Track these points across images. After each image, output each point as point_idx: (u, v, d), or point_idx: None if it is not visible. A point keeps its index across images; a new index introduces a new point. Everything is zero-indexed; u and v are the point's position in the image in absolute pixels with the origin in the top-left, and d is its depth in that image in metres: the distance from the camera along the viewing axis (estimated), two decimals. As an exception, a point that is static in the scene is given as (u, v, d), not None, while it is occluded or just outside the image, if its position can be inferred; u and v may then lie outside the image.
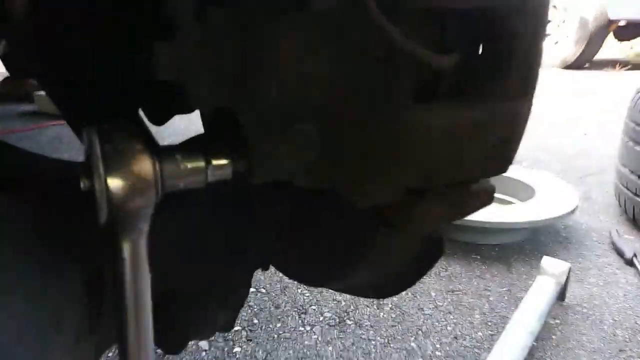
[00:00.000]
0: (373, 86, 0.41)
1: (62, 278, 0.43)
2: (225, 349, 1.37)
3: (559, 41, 5.80)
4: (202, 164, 0.41)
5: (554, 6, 5.68)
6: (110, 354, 1.34)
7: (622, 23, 5.50)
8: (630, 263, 1.84)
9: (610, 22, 5.46)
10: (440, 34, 0.44)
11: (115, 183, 0.36)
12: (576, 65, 5.90)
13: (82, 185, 0.37)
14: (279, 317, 1.52)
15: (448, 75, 0.46)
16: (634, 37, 5.92)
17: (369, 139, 0.43)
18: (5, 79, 4.65)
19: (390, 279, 0.67)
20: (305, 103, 0.41)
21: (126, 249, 0.38)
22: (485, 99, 0.45)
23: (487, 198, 0.56)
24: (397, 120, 0.42)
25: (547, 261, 1.59)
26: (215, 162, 0.42)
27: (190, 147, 0.42)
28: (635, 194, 2.04)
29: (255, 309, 1.56)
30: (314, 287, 1.01)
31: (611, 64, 6.44)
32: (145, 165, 0.37)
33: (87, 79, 0.63)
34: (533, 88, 0.48)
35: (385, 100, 0.42)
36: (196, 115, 0.65)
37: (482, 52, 0.47)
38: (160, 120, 0.71)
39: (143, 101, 0.69)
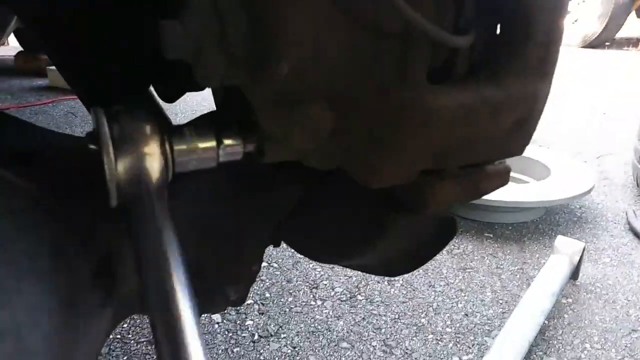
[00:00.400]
0: (386, 65, 0.40)
1: (70, 265, 0.43)
2: (238, 321, 1.39)
3: (579, 19, 5.65)
4: (213, 143, 0.41)
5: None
6: (125, 325, 1.36)
7: (646, 0, 5.34)
8: (645, 243, 1.82)
9: (635, -1, 5.31)
10: (456, 11, 0.43)
11: (124, 167, 0.36)
12: (597, 43, 5.75)
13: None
14: (291, 291, 1.54)
15: (464, 55, 0.45)
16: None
17: (381, 119, 0.42)
18: (19, 53, 4.67)
19: (401, 258, 0.67)
20: (317, 82, 0.40)
21: (139, 231, 0.37)
22: (501, 80, 0.44)
23: (502, 180, 0.55)
24: (411, 101, 0.41)
25: (560, 240, 1.58)
26: (226, 141, 0.41)
27: (201, 126, 0.41)
28: (654, 174, 2.00)
29: (267, 283, 1.57)
30: (324, 264, 1.01)
31: (633, 42, 6.27)
32: (154, 148, 0.37)
33: (95, 58, 0.63)
34: (552, 68, 0.47)
35: (398, 79, 0.41)
36: (208, 92, 0.65)
37: (499, 31, 0.45)
38: (171, 98, 0.71)
39: (153, 78, 0.69)
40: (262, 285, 1.56)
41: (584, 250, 1.55)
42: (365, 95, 0.41)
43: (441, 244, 0.63)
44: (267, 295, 1.52)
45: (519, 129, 0.50)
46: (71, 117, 3.37)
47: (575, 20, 5.64)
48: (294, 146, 0.44)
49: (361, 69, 0.41)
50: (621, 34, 6.08)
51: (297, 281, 1.59)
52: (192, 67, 0.43)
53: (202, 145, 0.40)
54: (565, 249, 1.55)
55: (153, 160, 0.37)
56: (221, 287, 0.73)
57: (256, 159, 0.46)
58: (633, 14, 5.67)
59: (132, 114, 0.37)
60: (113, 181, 0.35)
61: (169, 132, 0.39)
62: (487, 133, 0.47)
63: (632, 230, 1.91)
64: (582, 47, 5.77)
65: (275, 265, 1.68)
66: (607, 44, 5.94)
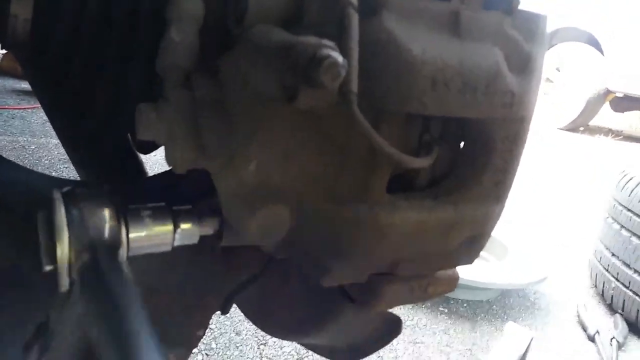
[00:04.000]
0: (348, 179, 0.42)
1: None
2: (179, 370, 1.35)
3: (557, 103, 5.90)
4: (170, 228, 0.41)
5: (557, 69, 5.80)
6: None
7: (619, 94, 5.62)
8: (592, 339, 1.85)
9: (609, 91, 5.58)
10: (422, 131, 0.45)
11: (77, 253, 0.36)
12: (571, 127, 6.00)
13: (42, 255, 0.36)
14: (238, 344, 1.50)
15: (426, 170, 0.47)
16: (629, 110, 6.04)
17: (337, 228, 0.43)
18: (6, 54, 4.61)
19: (345, 347, 0.68)
20: (282, 184, 0.41)
21: (92, 310, 0.37)
22: (458, 201, 0.46)
23: (450, 285, 0.57)
24: (367, 216, 0.42)
25: (511, 327, 1.60)
26: (183, 226, 0.42)
27: (159, 211, 0.41)
28: (607, 271, 2.06)
29: (216, 333, 1.54)
30: (272, 336, 1.00)
31: (604, 131, 6.56)
32: (110, 234, 0.37)
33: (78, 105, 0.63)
34: (507, 192, 0.49)
35: (358, 194, 0.42)
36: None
37: (461, 153, 0.47)
38: (146, 149, 0.71)
39: (131, 129, 0.69)
40: (210, 334, 1.53)
41: (531, 340, 1.57)
42: (324, 204, 0.43)
43: (385, 341, 0.63)
44: (214, 345, 1.48)
45: (470, 245, 0.52)
46: (48, 126, 3.31)
47: (554, 103, 5.89)
48: (251, 240, 0.45)
49: (324, 179, 0.42)
50: (595, 121, 6.37)
51: (246, 335, 1.56)
52: (165, 150, 0.44)
53: (158, 230, 0.41)
54: (514, 337, 1.57)
55: (108, 246, 0.37)
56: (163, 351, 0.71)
57: (214, 241, 0.47)
58: (607, 104, 5.96)
59: (90, 198, 0.37)
60: (64, 267, 0.35)
61: (125, 216, 0.39)
62: (438, 248, 0.49)
63: (581, 324, 1.95)
64: (558, 129, 6.01)
65: (226, 314, 1.65)
66: (581, 128, 6.20)
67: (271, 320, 0.74)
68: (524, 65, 0.44)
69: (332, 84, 0.32)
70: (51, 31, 0.57)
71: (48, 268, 0.36)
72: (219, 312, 1.68)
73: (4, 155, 0.65)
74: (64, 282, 0.36)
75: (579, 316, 1.99)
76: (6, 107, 3.55)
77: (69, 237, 0.35)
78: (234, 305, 1.75)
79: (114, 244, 0.37)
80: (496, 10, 0.44)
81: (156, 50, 0.44)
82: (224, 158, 0.41)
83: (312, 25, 0.40)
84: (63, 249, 0.35)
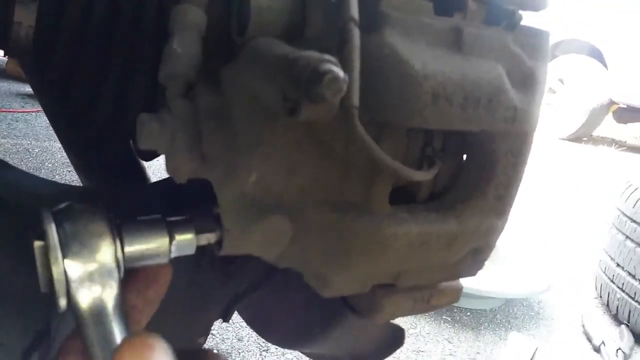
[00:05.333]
0: (350, 190, 0.42)
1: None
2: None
3: (560, 113, 5.90)
4: (165, 241, 0.41)
5: (560, 80, 5.80)
6: None
7: (622, 105, 5.62)
8: (597, 350, 1.84)
9: (612, 102, 5.58)
10: (424, 145, 0.45)
11: (73, 271, 0.36)
12: (574, 137, 6.00)
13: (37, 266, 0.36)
14: (240, 351, 1.50)
15: (428, 183, 0.47)
16: (632, 121, 6.03)
17: (338, 239, 0.43)
18: (11, 58, 4.64)
19: (350, 356, 0.67)
20: (283, 195, 0.41)
21: (88, 327, 0.36)
22: (460, 214, 0.46)
23: (454, 297, 0.56)
24: (368, 227, 0.42)
25: (515, 337, 1.59)
26: (179, 237, 0.42)
27: (154, 224, 0.41)
28: (613, 282, 2.05)
29: (218, 339, 1.54)
30: (273, 344, 1.00)
31: (608, 142, 6.54)
32: (105, 252, 0.37)
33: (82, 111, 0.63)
34: (510, 205, 0.49)
35: (361, 205, 0.42)
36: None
37: (464, 167, 0.47)
38: (149, 156, 0.71)
39: (133, 136, 0.70)
40: (212, 340, 1.52)
41: (536, 351, 1.56)
42: (326, 215, 0.43)
43: (388, 351, 0.63)
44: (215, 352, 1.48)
45: (473, 257, 0.52)
46: (52, 130, 3.33)
47: (557, 114, 5.88)
48: (251, 250, 0.45)
49: (326, 190, 0.42)
50: (598, 132, 6.36)
51: (248, 341, 1.55)
52: (165, 159, 0.44)
53: (153, 244, 0.40)
54: (518, 347, 1.56)
55: (102, 265, 0.37)
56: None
57: (213, 251, 0.47)
58: (610, 115, 5.95)
59: (82, 214, 0.37)
60: (62, 285, 0.35)
61: (120, 230, 0.39)
62: (441, 260, 0.49)
63: (586, 334, 1.94)
64: (560, 139, 6.00)
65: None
66: (584, 138, 6.19)
67: (272, 329, 0.74)
68: (527, 80, 0.44)
69: (333, 99, 0.32)
70: (54, 38, 0.57)
71: (45, 290, 0.36)
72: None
73: (7, 159, 0.65)
74: (62, 304, 0.35)
75: (584, 326, 1.98)
76: (10, 110, 3.58)
77: (63, 258, 0.35)
78: (236, 311, 1.75)
79: (109, 261, 0.36)
80: (498, 26, 0.44)
81: (159, 60, 0.44)
82: (225, 168, 0.41)
83: (314, 38, 0.40)
84: (58, 270, 0.35)
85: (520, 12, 0.46)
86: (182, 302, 0.66)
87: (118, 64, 0.58)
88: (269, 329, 0.74)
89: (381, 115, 0.39)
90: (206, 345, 1.48)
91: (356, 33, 0.36)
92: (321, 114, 0.34)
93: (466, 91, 0.40)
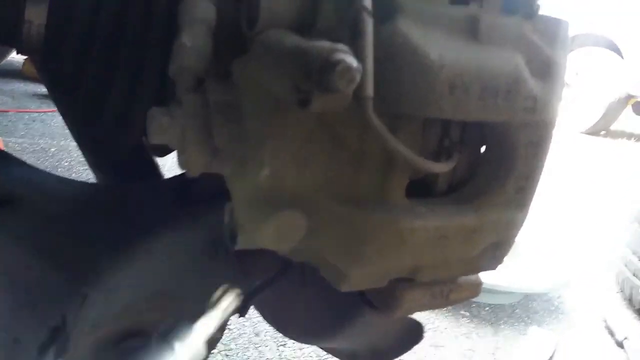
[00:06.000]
0: (366, 182, 0.41)
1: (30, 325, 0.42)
2: (197, 372, 1.36)
3: (577, 106, 5.81)
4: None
5: (577, 73, 5.72)
6: None
7: (640, 99, 5.54)
8: (620, 345, 1.81)
9: (630, 96, 5.49)
10: (442, 133, 0.44)
11: None
12: (593, 131, 5.91)
13: None
14: (257, 345, 1.50)
15: (446, 175, 0.46)
16: (651, 113, 5.93)
17: (355, 233, 0.42)
18: (27, 59, 4.71)
19: (365, 351, 0.67)
20: (297, 188, 0.41)
21: None
22: (480, 207, 0.45)
23: (473, 292, 0.55)
24: (386, 221, 0.41)
25: (534, 332, 1.57)
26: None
27: None
28: (635, 276, 2.01)
29: (235, 334, 1.54)
30: (292, 339, 1.00)
31: (626, 135, 6.42)
32: None
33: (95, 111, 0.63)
34: (530, 198, 0.48)
35: (376, 198, 0.41)
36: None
37: (483, 159, 0.46)
38: (161, 153, 0.71)
39: (145, 132, 0.70)
40: (229, 335, 1.53)
41: (556, 346, 1.54)
42: (341, 208, 0.42)
43: (405, 347, 0.62)
44: (233, 346, 1.48)
45: (493, 251, 0.51)
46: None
47: (574, 107, 5.80)
48: (267, 241, 0.44)
49: (341, 183, 0.41)
50: (616, 125, 6.25)
51: (265, 336, 1.55)
52: (177, 154, 0.43)
53: None
54: (538, 342, 1.54)
55: None
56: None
57: (228, 245, 0.46)
58: (628, 108, 5.84)
59: None
60: None
61: None
62: (460, 254, 0.48)
63: (608, 329, 1.90)
64: (578, 133, 5.92)
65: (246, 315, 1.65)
66: (602, 132, 6.09)
67: (289, 324, 0.74)
68: (546, 70, 0.43)
69: (346, 89, 0.32)
70: (65, 36, 0.57)
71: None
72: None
73: (25, 158, 0.66)
74: None
75: (605, 321, 1.94)
76: (27, 110, 3.63)
77: None
78: (252, 306, 1.76)
79: None
80: (516, 14, 0.43)
81: (169, 54, 0.44)
82: (237, 162, 0.41)
83: (326, 29, 0.39)
84: None
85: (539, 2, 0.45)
86: (199, 296, 0.66)
87: (129, 59, 0.58)
88: (286, 324, 0.73)
89: (396, 106, 0.38)
90: (223, 340, 1.48)
91: (369, 22, 0.35)
92: (334, 104, 0.33)
93: (484, 81, 0.39)
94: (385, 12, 0.38)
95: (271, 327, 1.57)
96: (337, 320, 0.61)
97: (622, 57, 5.36)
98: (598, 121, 5.79)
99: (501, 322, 1.86)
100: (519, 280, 1.88)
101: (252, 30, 0.42)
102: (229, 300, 0.49)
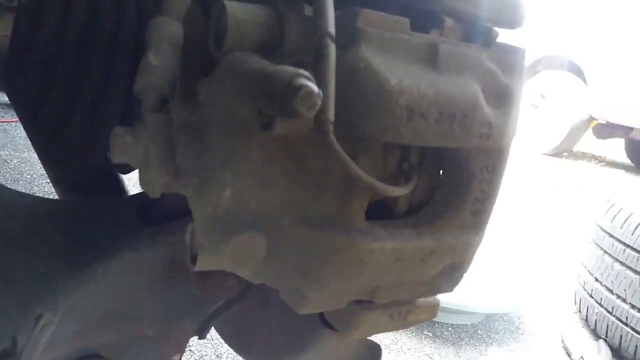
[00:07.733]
0: (326, 205, 0.42)
1: None
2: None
3: (542, 128, 5.99)
4: None
5: (542, 95, 5.91)
6: None
7: (602, 122, 5.73)
8: (576, 365, 1.85)
9: (592, 118, 5.69)
10: (400, 160, 0.45)
11: None
12: (555, 152, 6.09)
13: None
14: (219, 367, 1.48)
15: (404, 197, 0.47)
16: (611, 137, 6.15)
17: (314, 255, 0.42)
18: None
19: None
20: (258, 211, 0.41)
21: None
22: (437, 230, 0.46)
23: (431, 313, 0.56)
24: (345, 244, 0.42)
25: (495, 352, 1.59)
26: None
27: None
28: (591, 296, 2.07)
29: (196, 355, 1.51)
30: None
31: (588, 157, 6.65)
32: None
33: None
34: (486, 220, 0.49)
35: (337, 220, 0.42)
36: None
37: (440, 182, 0.47)
38: (125, 170, 0.71)
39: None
40: (190, 357, 1.50)
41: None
42: (302, 230, 0.42)
43: (366, 367, 0.62)
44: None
45: (450, 273, 0.52)
46: (31, 141, 3.28)
47: (538, 129, 5.97)
48: (225, 265, 0.44)
49: (301, 206, 0.42)
50: (578, 147, 6.47)
51: (227, 357, 1.53)
52: (139, 173, 0.43)
53: None
54: (499, 362, 1.56)
55: None
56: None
57: (188, 266, 0.46)
58: (589, 130, 6.07)
59: None
60: None
61: None
62: (418, 275, 0.49)
63: (565, 349, 1.95)
64: (541, 154, 6.09)
65: (207, 336, 1.62)
66: (565, 154, 6.29)
67: (250, 345, 0.73)
68: (502, 97, 0.45)
69: (308, 113, 0.32)
70: (30, 49, 0.57)
71: None
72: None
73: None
74: None
75: (563, 341, 1.99)
76: (-11, 120, 3.51)
77: None
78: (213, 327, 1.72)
79: None
80: (475, 43, 0.45)
81: (135, 73, 0.44)
82: (199, 183, 0.41)
83: (290, 53, 0.40)
84: None
85: (497, 29, 0.47)
86: (157, 318, 0.65)
87: (95, 76, 0.57)
88: (247, 346, 0.73)
89: (357, 131, 0.39)
90: (184, 362, 1.45)
91: (332, 48, 0.36)
92: (296, 129, 0.34)
93: (441, 107, 0.40)
94: (348, 38, 0.39)
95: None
96: (297, 342, 0.61)
97: (584, 80, 5.55)
98: (561, 143, 5.97)
99: (463, 342, 1.88)
100: (481, 300, 1.91)
101: (219, 51, 0.43)
102: None
